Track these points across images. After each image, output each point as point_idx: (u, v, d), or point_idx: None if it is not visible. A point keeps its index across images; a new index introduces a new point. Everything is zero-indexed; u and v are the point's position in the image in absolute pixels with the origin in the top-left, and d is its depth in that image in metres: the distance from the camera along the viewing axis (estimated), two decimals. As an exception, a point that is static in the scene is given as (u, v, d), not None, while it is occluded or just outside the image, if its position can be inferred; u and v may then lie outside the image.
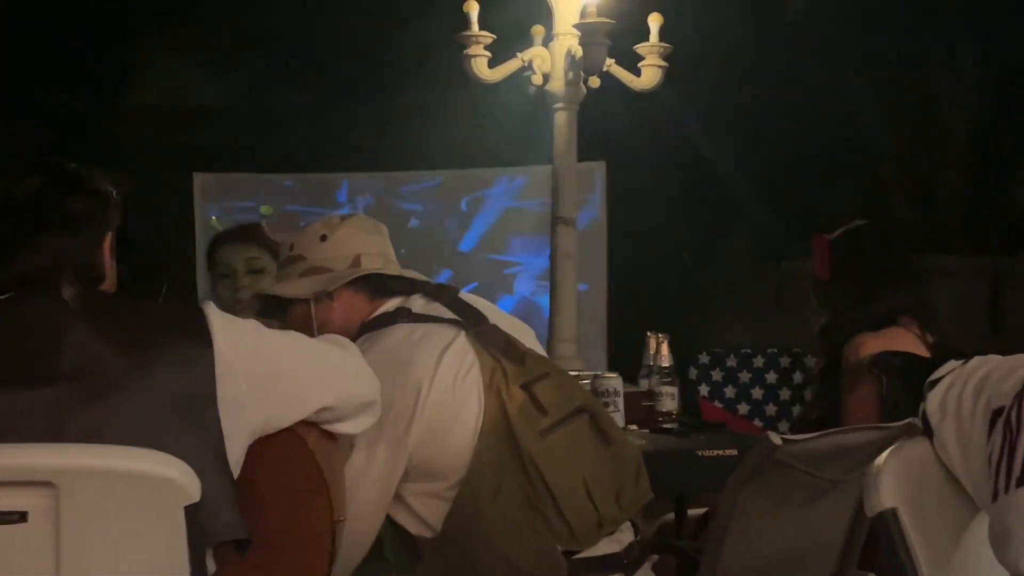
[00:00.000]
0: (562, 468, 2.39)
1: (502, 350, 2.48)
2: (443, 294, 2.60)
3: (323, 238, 2.62)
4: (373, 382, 2.13)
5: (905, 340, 3.12)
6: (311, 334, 2.50)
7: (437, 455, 2.39)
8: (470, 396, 2.41)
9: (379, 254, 2.64)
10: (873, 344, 3.09)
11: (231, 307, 3.41)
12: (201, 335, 1.83)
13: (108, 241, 1.98)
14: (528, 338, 2.64)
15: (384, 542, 2.48)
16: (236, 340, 1.86)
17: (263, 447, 1.93)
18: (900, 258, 3.35)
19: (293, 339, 2.06)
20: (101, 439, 1.74)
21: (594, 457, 2.46)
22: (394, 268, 2.65)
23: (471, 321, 2.52)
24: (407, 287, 2.62)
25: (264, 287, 3.39)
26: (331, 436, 2.10)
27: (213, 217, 3.84)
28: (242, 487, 1.86)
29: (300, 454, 2.00)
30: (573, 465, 2.41)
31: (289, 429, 1.98)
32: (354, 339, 2.45)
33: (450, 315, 2.53)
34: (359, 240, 2.63)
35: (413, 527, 2.45)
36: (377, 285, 2.61)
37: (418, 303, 2.58)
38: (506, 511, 2.35)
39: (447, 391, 2.40)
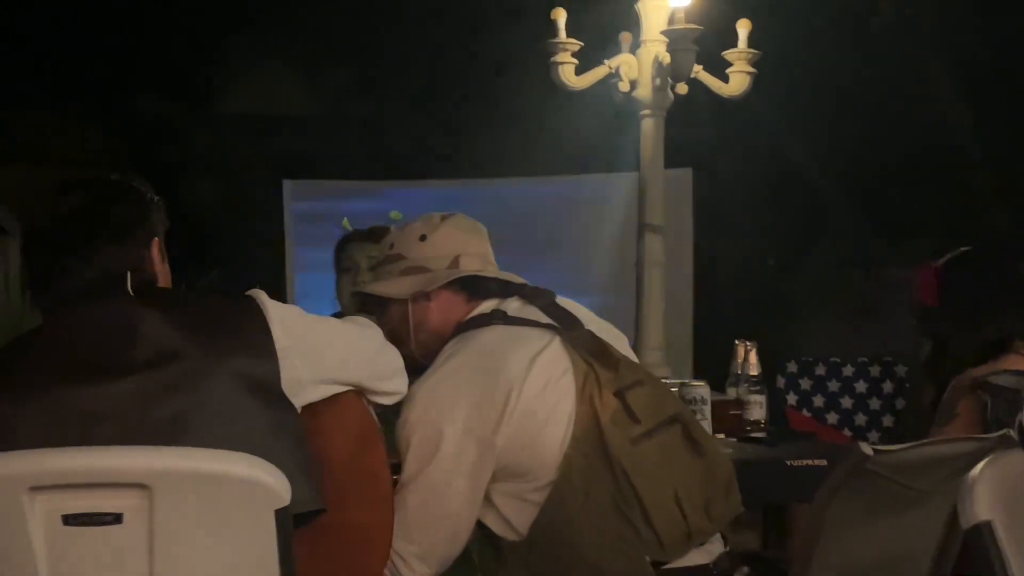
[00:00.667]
0: (652, 477, 2.36)
1: (596, 356, 2.45)
2: (539, 298, 2.59)
3: (422, 238, 2.61)
4: (398, 361, 2.30)
5: (1018, 366, 3.02)
6: (407, 333, 2.59)
7: (526, 458, 2.37)
8: (562, 401, 2.38)
9: (478, 255, 2.63)
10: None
11: (350, 301, 3.51)
12: (259, 320, 1.96)
13: (156, 245, 2.09)
14: (621, 344, 2.63)
15: (471, 544, 2.49)
16: (288, 323, 2.00)
17: (321, 406, 2.06)
18: (1011, 280, 3.22)
19: (328, 321, 2.21)
20: (186, 424, 1.82)
21: (685, 467, 2.42)
22: (492, 270, 2.64)
23: (566, 326, 2.51)
24: (504, 289, 2.60)
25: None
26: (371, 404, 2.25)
27: (345, 219, 3.98)
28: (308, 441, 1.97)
29: (355, 406, 2.16)
30: (664, 475, 2.38)
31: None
32: (448, 339, 2.52)
33: (545, 319, 2.52)
34: (458, 240, 2.62)
35: (499, 529, 2.44)
36: (474, 286, 2.59)
37: (514, 306, 2.56)
38: (595, 518, 2.33)
39: (538, 395, 2.37)
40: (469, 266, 2.60)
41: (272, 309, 1.99)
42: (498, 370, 2.39)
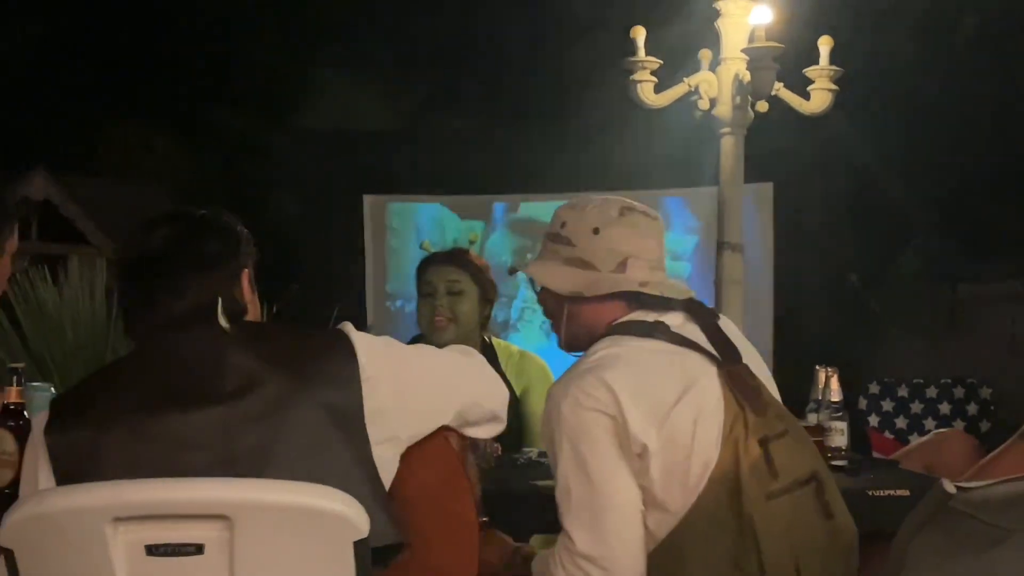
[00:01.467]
0: (778, 538, 2.25)
1: (748, 397, 2.33)
2: (703, 316, 2.46)
3: (595, 231, 2.46)
4: (500, 391, 2.23)
5: None
6: (559, 320, 2.51)
7: (660, 487, 2.27)
8: (707, 440, 2.27)
9: (648, 260, 2.47)
10: None
11: (429, 326, 3.51)
12: (346, 352, 1.96)
13: (246, 276, 2.11)
14: (762, 371, 2.48)
15: None
16: (375, 355, 1.98)
17: (409, 449, 2.03)
18: None
19: (425, 351, 2.19)
20: (270, 454, 1.84)
21: (812, 531, 2.31)
22: (658, 277, 2.48)
23: (725, 357, 2.38)
24: (666, 302, 2.46)
25: (463, 310, 3.54)
26: (465, 439, 2.20)
27: (425, 241, 3.96)
28: (392, 487, 1.96)
29: (444, 453, 2.12)
30: (790, 536, 2.27)
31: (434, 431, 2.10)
32: (599, 335, 2.41)
33: (706, 344, 2.39)
34: (631, 242, 2.46)
35: None
36: (636, 294, 2.45)
37: (676, 320, 2.43)
38: (710, 568, 2.24)
39: (685, 427, 2.27)
40: (636, 273, 2.45)
41: (359, 340, 1.99)
42: (654, 388, 2.29)
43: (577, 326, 2.49)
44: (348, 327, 2.04)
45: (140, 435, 1.84)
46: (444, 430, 2.12)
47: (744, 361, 2.41)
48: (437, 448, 2.11)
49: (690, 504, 2.25)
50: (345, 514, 1.79)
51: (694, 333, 2.41)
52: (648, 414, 2.26)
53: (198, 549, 1.75)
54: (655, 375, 2.32)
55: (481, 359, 2.26)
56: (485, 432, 2.22)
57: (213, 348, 1.93)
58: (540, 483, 2.90)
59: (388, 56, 9.20)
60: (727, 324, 2.50)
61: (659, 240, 2.53)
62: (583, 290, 2.46)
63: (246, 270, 2.10)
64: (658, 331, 2.38)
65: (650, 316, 2.42)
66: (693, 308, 2.47)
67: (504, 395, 2.24)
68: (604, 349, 2.37)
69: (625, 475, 2.27)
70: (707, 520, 2.25)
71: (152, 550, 1.75)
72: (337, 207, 8.77)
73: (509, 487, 2.90)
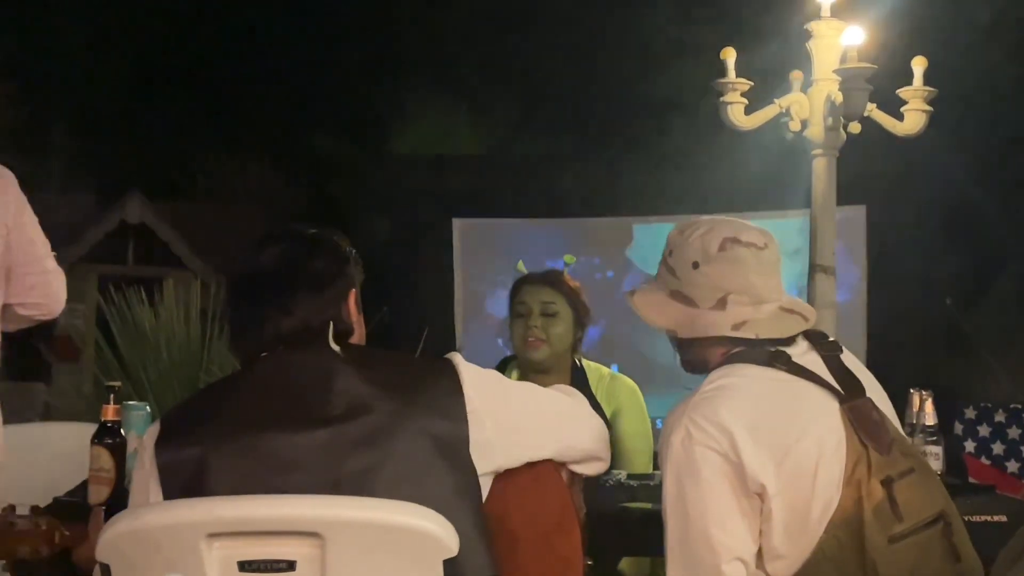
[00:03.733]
0: None
1: (872, 435, 2.23)
2: (825, 347, 2.35)
3: (695, 265, 2.37)
4: (601, 432, 2.23)
5: None
6: (674, 347, 2.44)
7: (779, 530, 2.19)
8: (828, 482, 2.19)
9: (751, 295, 2.35)
10: None
11: (522, 346, 3.52)
12: (453, 382, 1.97)
13: (353, 296, 2.11)
14: (884, 404, 2.39)
15: None
16: (482, 387, 1.99)
17: (518, 479, 2.03)
18: None
19: (528, 388, 2.18)
20: (374, 479, 1.85)
21: (938, 575, 2.22)
22: (764, 312, 2.35)
23: (849, 391, 2.28)
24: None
25: (557, 332, 3.51)
26: (574, 475, 2.19)
27: (520, 261, 3.98)
28: (497, 520, 1.96)
29: (554, 488, 2.11)
30: None
31: (544, 463, 2.10)
32: (715, 363, 2.33)
33: (829, 377, 2.30)
34: (732, 279, 2.35)
35: None
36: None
37: (798, 348, 2.33)
38: None
39: (807, 470, 2.18)
40: (736, 312, 2.33)
41: (465, 371, 2.00)
42: (774, 424, 2.21)
43: (691, 353, 2.41)
44: (456, 357, 2.05)
45: (247, 454, 1.87)
46: (555, 464, 2.11)
47: (868, 396, 2.31)
48: (550, 483, 2.10)
49: (810, 549, 2.17)
50: (435, 532, 1.80)
51: (815, 364, 2.31)
52: (767, 452, 2.17)
53: (290, 566, 1.78)
54: (775, 410, 2.23)
55: (582, 399, 2.25)
56: (587, 470, 2.21)
57: (322, 370, 1.95)
58: (629, 505, 2.88)
59: (476, 82, 9.25)
60: (848, 357, 2.40)
61: (765, 271, 2.39)
62: (677, 330, 2.40)
63: (353, 290, 2.12)
64: (778, 361, 2.28)
65: (771, 346, 2.32)
66: (814, 337, 2.37)
67: (604, 436, 2.22)
68: (720, 379, 2.28)
69: (734, 518, 2.19)
70: (830, 564, 2.17)
71: (245, 566, 1.77)
72: (426, 229, 8.84)
73: (597, 509, 2.89)
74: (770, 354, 2.29)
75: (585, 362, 3.66)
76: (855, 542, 2.17)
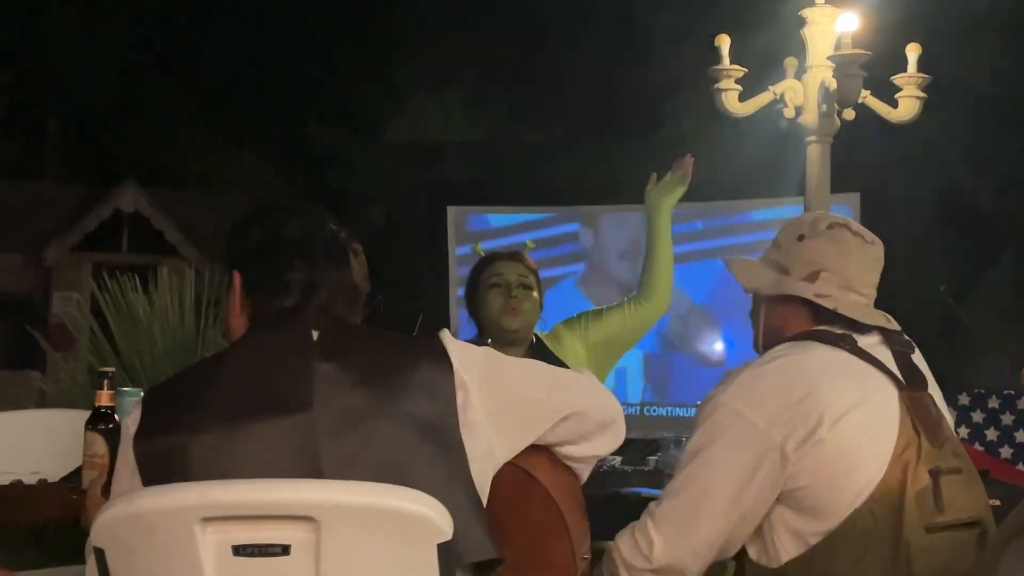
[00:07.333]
0: (936, 574, 2.19)
1: (927, 426, 2.27)
2: (898, 344, 2.39)
3: (800, 238, 2.45)
4: (609, 401, 2.17)
5: None
6: (757, 323, 2.51)
7: (821, 495, 2.22)
8: (874, 456, 2.21)
9: (843, 278, 2.40)
10: None
11: (500, 314, 3.54)
12: (441, 362, 1.94)
13: (361, 264, 2.12)
14: (943, 408, 2.40)
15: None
16: (471, 364, 1.97)
17: (502, 490, 2.00)
18: None
19: (523, 362, 2.14)
20: (356, 465, 1.84)
21: None
22: (849, 298, 2.40)
23: (911, 384, 2.31)
24: (856, 323, 2.39)
25: (529, 305, 3.58)
26: (569, 472, 2.17)
27: (479, 244, 4.02)
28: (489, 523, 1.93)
29: (539, 500, 2.09)
30: (944, 574, 2.20)
31: (527, 476, 2.07)
32: (771, 345, 2.38)
33: (893, 367, 2.32)
34: (826, 255, 2.42)
35: (755, 551, 2.30)
36: (823, 308, 2.40)
37: (870, 340, 2.37)
38: None
39: (854, 440, 2.21)
40: (825, 287, 2.38)
41: (453, 346, 1.98)
42: (818, 390, 2.23)
43: (769, 327, 2.47)
44: (445, 334, 2.02)
45: (228, 440, 1.86)
46: (539, 471, 2.09)
47: (930, 392, 2.35)
48: (530, 495, 2.08)
49: (845, 516, 2.19)
50: (427, 516, 1.80)
51: (883, 355, 2.34)
52: (809, 419, 2.20)
53: (284, 550, 1.77)
54: (826, 381, 2.25)
55: (590, 375, 2.24)
56: (603, 447, 2.18)
57: (299, 354, 1.92)
58: (622, 491, 2.89)
59: (469, 71, 9.24)
60: (919, 357, 2.43)
61: (865, 263, 2.46)
62: (763, 287, 2.46)
63: (361, 255, 2.13)
64: (844, 342, 2.32)
65: (840, 329, 2.36)
66: (889, 335, 2.40)
67: (617, 407, 2.18)
68: (780, 354, 2.33)
69: (748, 491, 2.22)
70: (861, 537, 2.19)
71: (239, 550, 1.77)
72: (420, 218, 8.84)
73: (590, 495, 2.89)
74: (836, 336, 2.33)
75: (540, 336, 3.69)
76: (891, 521, 2.19)
